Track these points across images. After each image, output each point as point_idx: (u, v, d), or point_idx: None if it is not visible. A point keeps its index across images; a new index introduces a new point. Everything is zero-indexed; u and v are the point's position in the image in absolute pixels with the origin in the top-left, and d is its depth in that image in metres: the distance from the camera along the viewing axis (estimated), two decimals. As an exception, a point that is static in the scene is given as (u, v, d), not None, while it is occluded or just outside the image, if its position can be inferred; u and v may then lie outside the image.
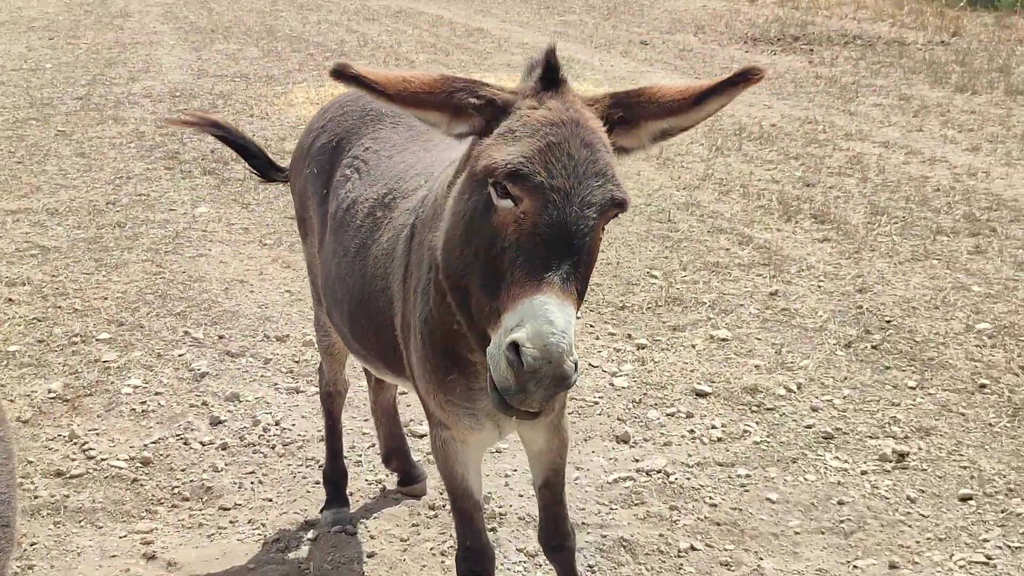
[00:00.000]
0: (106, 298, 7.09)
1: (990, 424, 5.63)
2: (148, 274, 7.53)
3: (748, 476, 5.20)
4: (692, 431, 5.58)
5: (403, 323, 3.44)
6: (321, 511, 4.79)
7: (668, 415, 5.74)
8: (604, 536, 4.71)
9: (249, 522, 4.78)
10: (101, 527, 4.70)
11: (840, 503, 4.98)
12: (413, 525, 4.81)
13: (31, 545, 4.52)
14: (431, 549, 4.63)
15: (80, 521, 4.72)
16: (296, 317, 6.82)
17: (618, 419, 5.71)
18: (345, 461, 4.91)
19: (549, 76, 2.75)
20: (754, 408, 5.81)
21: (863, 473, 5.22)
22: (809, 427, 5.61)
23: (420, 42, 18.15)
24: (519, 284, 2.52)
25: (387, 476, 5.12)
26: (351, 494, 4.93)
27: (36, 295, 7.09)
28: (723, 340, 6.61)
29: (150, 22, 20.63)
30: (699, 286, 7.44)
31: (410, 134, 4.07)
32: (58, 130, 11.72)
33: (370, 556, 4.57)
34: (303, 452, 5.33)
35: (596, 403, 5.85)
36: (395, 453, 4.99)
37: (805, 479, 5.17)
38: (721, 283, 7.50)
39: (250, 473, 5.15)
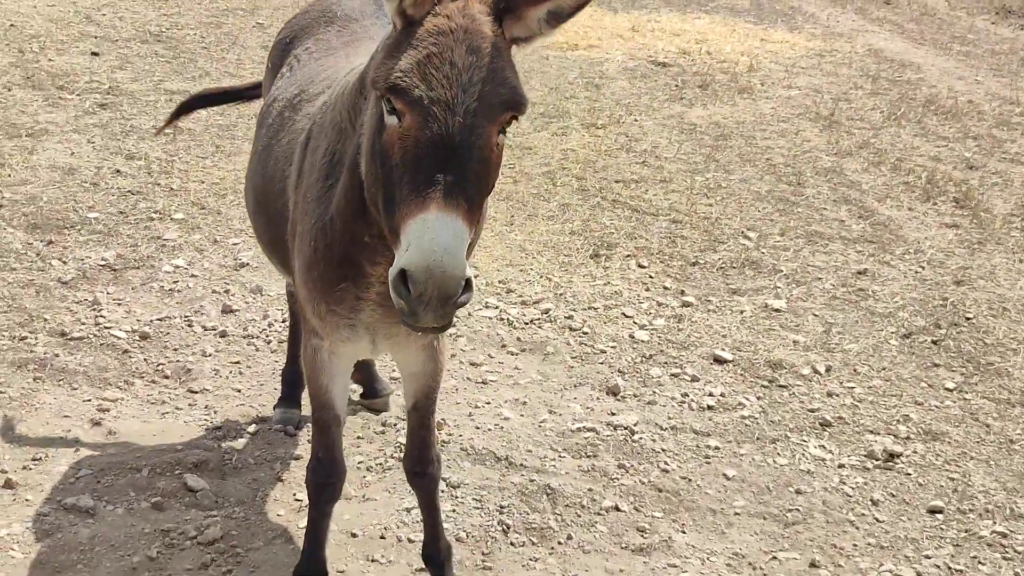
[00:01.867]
0: (203, 182, 7.43)
1: (1011, 440, 5.20)
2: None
3: (717, 449, 5.01)
4: (686, 395, 5.41)
5: (291, 229, 3.48)
6: (273, 408, 4.92)
7: (672, 375, 5.57)
8: (531, 481, 4.66)
9: (206, 407, 4.98)
10: (75, 389, 5.00)
11: (797, 492, 4.74)
12: (357, 437, 4.89)
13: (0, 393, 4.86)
14: (360, 463, 4.70)
15: (59, 381, 5.04)
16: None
17: (619, 371, 5.59)
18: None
19: None
20: (765, 383, 5.56)
21: (840, 467, 4.94)
22: (812, 411, 5.34)
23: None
24: (406, 204, 2.49)
25: (352, 388, 5.19)
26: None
27: (144, 171, 7.50)
28: (775, 311, 6.32)
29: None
30: (786, 253, 7.11)
31: (348, 39, 4.08)
32: (257, 22, 12.23)
33: (295, 459, 4.68)
34: (295, 351, 5.47)
35: (604, 352, 5.73)
36: (358, 365, 5.06)
37: (774, 462, 4.94)
38: (812, 254, 7.14)
39: (235, 363, 5.34)
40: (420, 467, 3.79)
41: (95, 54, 10.21)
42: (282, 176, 3.58)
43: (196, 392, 5.07)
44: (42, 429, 4.67)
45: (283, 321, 5.67)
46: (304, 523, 3.89)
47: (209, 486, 4.42)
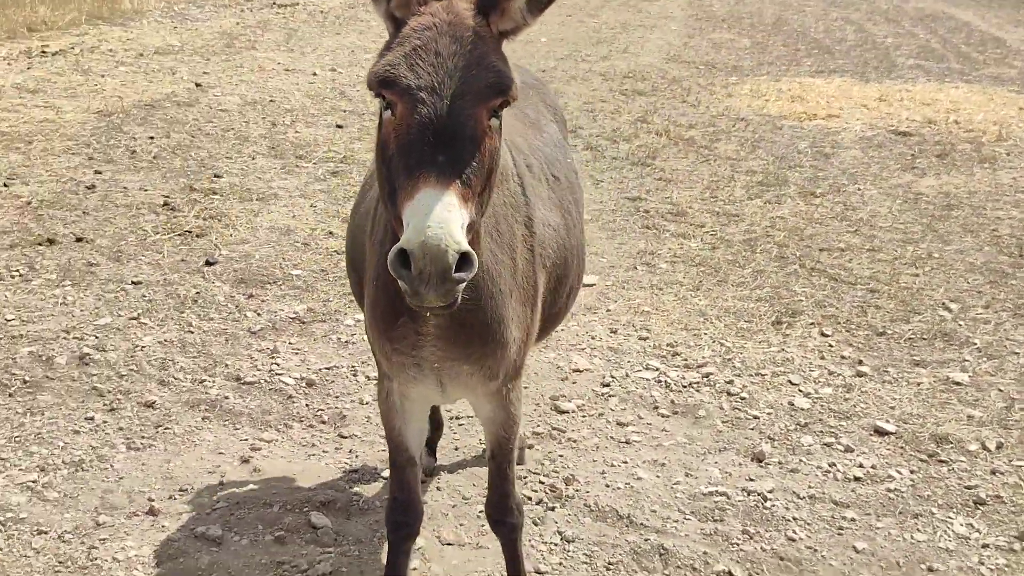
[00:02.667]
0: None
1: None
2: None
3: (852, 520, 4.82)
4: (833, 464, 5.23)
5: (365, 276, 3.66)
6: (411, 455, 5.11)
7: (824, 444, 5.41)
8: (647, 540, 4.63)
9: (350, 451, 5.24)
10: (237, 429, 5.38)
11: (930, 569, 4.50)
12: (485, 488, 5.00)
13: (166, 429, 5.30)
14: (481, 512, 4.80)
15: (224, 421, 5.43)
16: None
17: (768, 438, 5.48)
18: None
19: None
20: (924, 457, 5.31)
21: (983, 546, 4.65)
22: (969, 488, 5.05)
23: (921, 47, 17.29)
24: (404, 189, 2.62)
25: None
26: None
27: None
28: (956, 384, 6.02)
29: (671, 7, 21.42)
30: (986, 327, 6.76)
31: None
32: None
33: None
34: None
35: (756, 418, 5.64)
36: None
37: (912, 537, 4.71)
38: (1015, 327, 6.76)
39: (388, 411, 5.58)
40: (499, 515, 3.86)
41: (339, 127, 10.93)
42: (363, 229, 3.76)
43: (345, 437, 5.34)
44: (195, 464, 5.04)
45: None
46: (417, 566, 4.05)
47: (332, 524, 4.64)
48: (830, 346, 6.48)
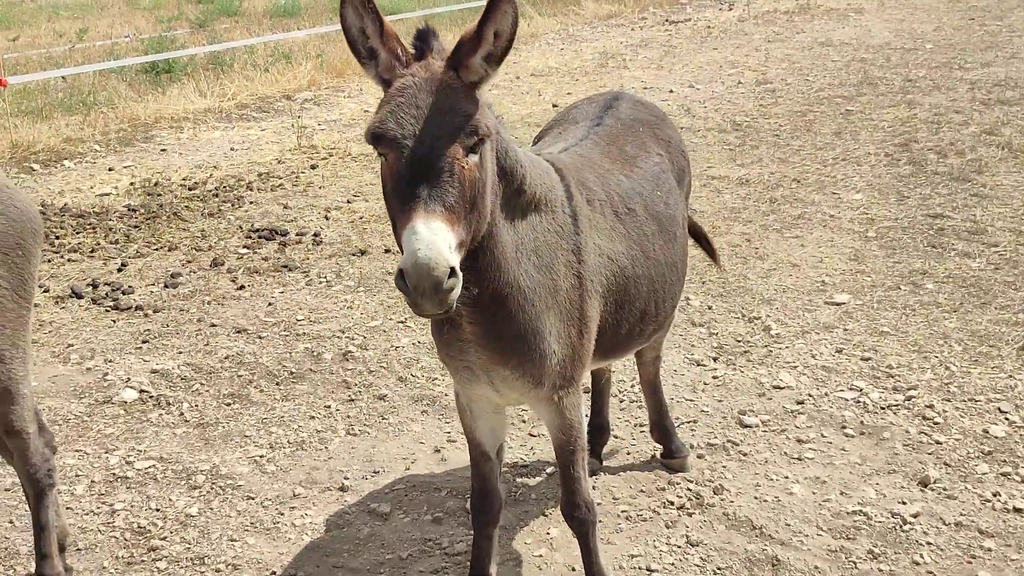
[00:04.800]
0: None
1: None
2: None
3: (988, 551, 4.77)
4: (997, 494, 5.15)
5: None
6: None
7: (1000, 474, 5.31)
8: (764, 550, 4.87)
9: (532, 448, 5.81)
10: (443, 423, 6.11)
11: (1045, 607, 4.43)
12: (640, 491, 5.43)
13: (384, 419, 6.14)
14: (623, 511, 5.24)
15: (438, 415, 6.18)
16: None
17: (944, 463, 5.45)
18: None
19: (416, 47, 3.40)
20: (1106, 495, 5.10)
21: (1118, 590, 4.48)
22: None
23: None
24: (399, 221, 3.20)
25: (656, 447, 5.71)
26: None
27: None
28: None
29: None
30: None
31: (556, 136, 4.85)
32: (846, 109, 12.71)
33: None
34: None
35: (939, 443, 5.61)
36: (655, 426, 5.61)
37: (1043, 574, 4.62)
38: None
39: (584, 416, 6.11)
40: (568, 510, 4.31)
41: (669, 145, 11.43)
42: None
43: (535, 436, 5.92)
44: (396, 450, 5.83)
45: (632, 382, 6.30)
46: (557, 556, 4.71)
47: (484, 510, 5.26)
48: (1072, 373, 6.22)
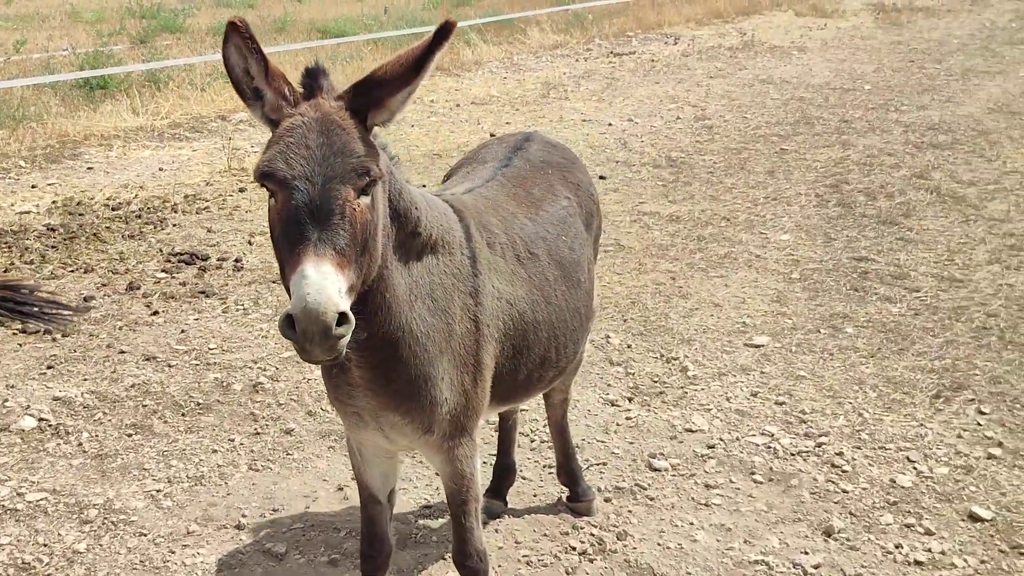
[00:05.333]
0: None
1: None
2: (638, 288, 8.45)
3: (887, 605, 4.74)
4: (899, 546, 5.11)
5: None
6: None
7: (904, 526, 5.27)
8: (663, 599, 4.79)
9: (438, 488, 5.71)
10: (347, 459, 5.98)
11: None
12: (543, 535, 5.33)
13: (288, 455, 6.01)
14: (524, 556, 5.14)
15: (344, 452, 6.07)
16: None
17: (850, 513, 5.41)
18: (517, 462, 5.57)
19: (306, 86, 3.30)
20: (1006, 548, 5.06)
21: (1012, 648, 4.44)
22: (1037, 587, 4.80)
23: None
24: (288, 264, 3.08)
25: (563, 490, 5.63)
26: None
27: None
28: (1092, 474, 5.63)
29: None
30: None
31: (463, 177, 4.76)
32: (781, 148, 12.77)
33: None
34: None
35: (846, 492, 5.57)
36: (562, 469, 5.53)
37: (939, 630, 4.57)
38: None
39: (491, 455, 5.99)
40: (459, 559, 4.21)
41: (602, 177, 11.41)
42: None
43: (439, 475, 5.80)
44: (297, 487, 5.70)
45: (544, 422, 6.21)
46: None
47: (382, 553, 5.13)
48: (978, 424, 6.22)
